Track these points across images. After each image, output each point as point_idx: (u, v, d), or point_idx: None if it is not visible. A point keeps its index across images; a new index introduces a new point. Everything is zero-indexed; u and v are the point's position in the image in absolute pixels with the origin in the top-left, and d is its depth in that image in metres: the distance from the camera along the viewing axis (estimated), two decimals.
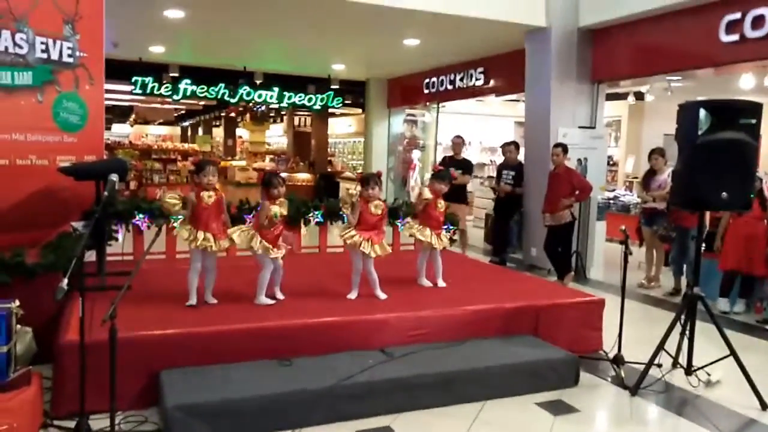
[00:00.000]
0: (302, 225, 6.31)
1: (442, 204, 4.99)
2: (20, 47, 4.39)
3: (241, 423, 3.17)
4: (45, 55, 4.55)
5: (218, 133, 27.43)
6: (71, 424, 3.05)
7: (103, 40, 5.04)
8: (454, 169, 8.08)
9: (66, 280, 2.63)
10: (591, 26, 7.70)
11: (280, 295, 4.35)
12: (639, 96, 11.91)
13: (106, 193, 3.17)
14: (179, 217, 4.25)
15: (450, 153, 9.29)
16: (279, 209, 4.22)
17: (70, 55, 4.71)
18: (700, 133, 3.88)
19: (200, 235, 4.03)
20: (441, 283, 4.98)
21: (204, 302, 4.13)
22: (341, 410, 3.40)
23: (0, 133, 4.34)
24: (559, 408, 3.75)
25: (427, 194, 5.08)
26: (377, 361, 3.72)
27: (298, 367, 3.61)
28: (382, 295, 4.47)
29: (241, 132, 26.49)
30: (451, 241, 6.85)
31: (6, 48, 4.31)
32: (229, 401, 3.18)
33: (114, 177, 3.19)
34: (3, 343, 3.03)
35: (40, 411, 3.18)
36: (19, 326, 3.34)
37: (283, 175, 17.29)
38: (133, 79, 12.06)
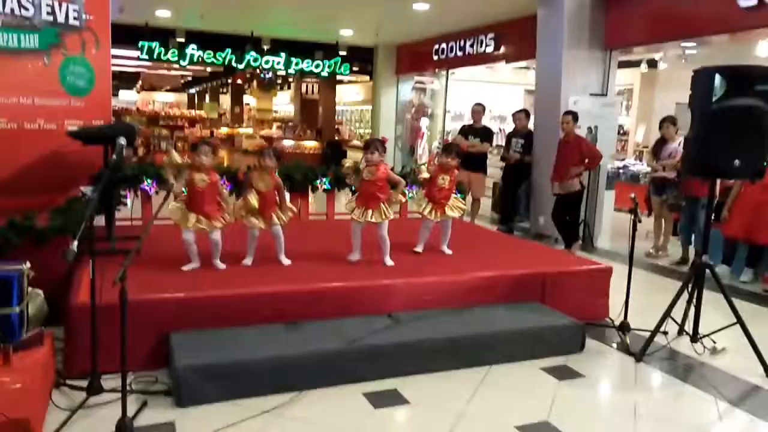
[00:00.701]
0: (310, 192, 6.34)
1: (444, 179, 4.78)
2: (26, 9, 4.35)
3: (250, 384, 3.22)
4: (51, 18, 4.51)
5: (225, 100, 27.27)
6: (83, 383, 3.11)
7: (109, 3, 4.98)
8: (472, 137, 8.04)
9: (76, 243, 2.64)
10: None
11: (285, 261, 4.36)
12: (652, 64, 11.71)
13: (114, 157, 3.17)
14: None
15: (463, 122, 9.22)
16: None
17: (76, 18, 4.66)
18: (714, 99, 3.82)
19: (192, 217, 3.97)
20: (446, 250, 4.95)
21: (209, 266, 4.14)
22: (348, 373, 3.44)
23: (8, 96, 4.33)
24: (564, 373, 3.79)
25: (425, 172, 4.96)
26: (384, 326, 3.75)
27: (305, 330, 3.65)
28: (390, 262, 4.48)
29: (249, 99, 26.33)
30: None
31: (12, 10, 4.27)
32: (238, 362, 3.22)
33: (122, 140, 3.18)
34: (15, 304, 3.06)
35: (52, 370, 3.24)
36: (30, 288, 3.39)
37: (290, 142, 17.17)
38: (140, 44, 11.96)
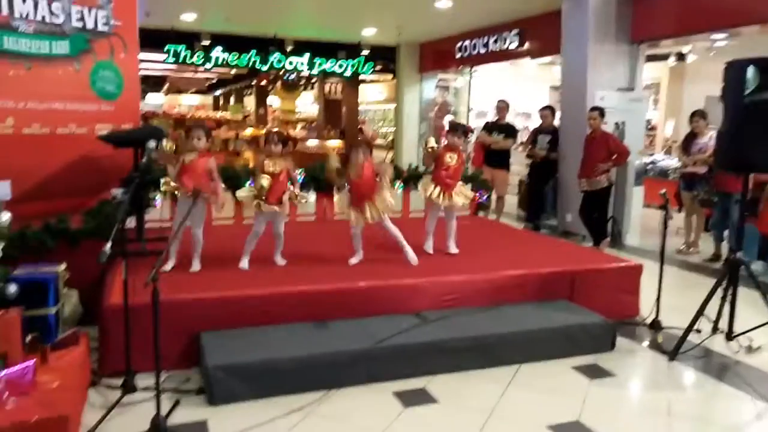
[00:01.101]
0: (335, 192, 6.35)
1: (452, 158, 4.63)
2: (56, 16, 4.44)
3: (279, 382, 3.25)
4: (81, 24, 4.60)
5: (249, 101, 27.52)
6: (118, 381, 3.17)
7: (137, 8, 5.06)
8: (496, 133, 7.99)
9: (109, 245, 2.69)
10: None
11: (281, 261, 4.33)
12: (680, 57, 11.49)
13: (144, 160, 3.22)
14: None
15: (486, 119, 9.16)
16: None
17: (105, 24, 4.75)
18: (747, 92, 3.73)
19: (183, 189, 3.94)
20: (453, 249, 4.78)
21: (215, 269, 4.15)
22: (377, 372, 3.45)
23: (40, 102, 4.42)
24: (595, 372, 3.74)
25: (432, 142, 4.79)
26: (412, 325, 3.75)
27: (334, 330, 3.67)
28: (413, 257, 4.43)
29: (272, 100, 26.53)
30: (483, 206, 6.81)
31: (43, 17, 4.37)
32: (268, 361, 3.25)
33: (152, 143, 3.24)
34: (52, 305, 3.15)
35: (88, 369, 3.30)
36: (65, 289, 3.47)
37: (314, 142, 17.23)
38: (166, 48, 12.12)
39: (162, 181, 4.08)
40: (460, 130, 4.71)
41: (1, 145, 4.08)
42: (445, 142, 4.87)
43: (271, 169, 4.15)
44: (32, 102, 4.37)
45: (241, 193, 4.42)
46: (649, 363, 4.00)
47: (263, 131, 20.77)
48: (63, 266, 3.36)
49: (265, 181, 4.12)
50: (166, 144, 4.16)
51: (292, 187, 4.30)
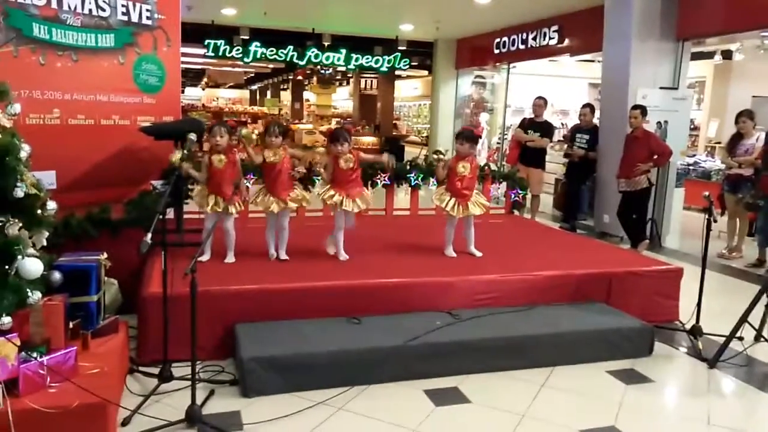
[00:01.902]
0: (369, 188, 6.36)
1: (465, 167, 4.52)
2: (103, 10, 4.53)
3: (311, 376, 3.27)
4: (126, 18, 4.68)
5: (286, 96, 27.79)
6: (155, 370, 3.23)
7: (180, 2, 5.13)
8: (532, 131, 7.89)
9: (150, 235, 2.74)
10: None
11: (283, 255, 4.33)
12: (726, 55, 11.14)
13: (185, 151, 3.27)
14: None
15: (524, 115, 9.04)
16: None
17: (149, 17, 4.82)
18: None
19: (211, 199, 4.03)
20: (475, 252, 4.67)
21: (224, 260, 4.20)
22: (409, 369, 3.44)
23: (86, 93, 4.52)
24: (631, 377, 3.66)
25: (441, 154, 4.70)
26: (445, 323, 3.73)
27: (366, 325, 3.67)
28: (478, 253, 4.54)
29: (308, 95, 26.72)
30: (518, 205, 6.73)
31: (90, 11, 4.46)
32: (301, 355, 3.28)
33: (193, 136, 3.28)
34: (93, 293, 3.22)
35: (126, 357, 3.38)
36: (106, 278, 3.55)
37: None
38: (206, 42, 12.31)
39: (194, 190, 4.12)
40: (463, 136, 4.58)
41: (48, 135, 4.18)
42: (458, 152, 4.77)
43: (271, 159, 4.16)
44: (78, 93, 4.47)
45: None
46: (689, 370, 3.89)
47: (295, 125, 20.93)
48: (105, 255, 3.44)
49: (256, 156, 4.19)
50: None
51: (295, 175, 4.31)
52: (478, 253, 4.67)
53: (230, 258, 4.21)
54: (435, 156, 4.75)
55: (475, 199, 4.60)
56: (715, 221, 4.19)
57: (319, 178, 5.10)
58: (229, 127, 4.19)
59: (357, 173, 4.38)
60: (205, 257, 4.14)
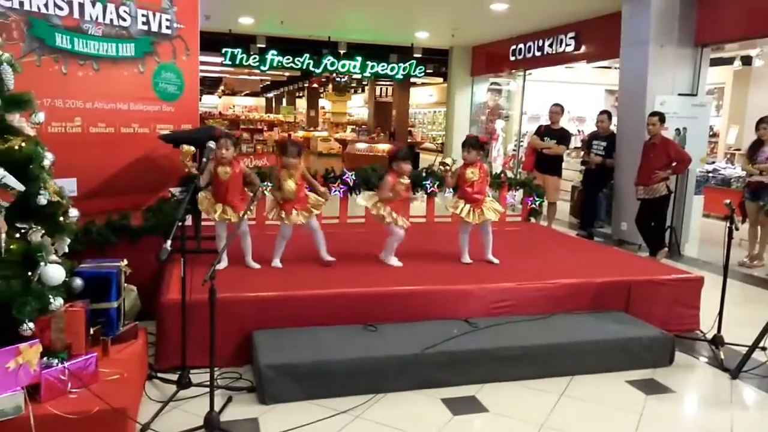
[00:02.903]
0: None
1: (474, 172, 4.52)
2: (123, 20, 4.61)
3: (329, 384, 3.26)
4: (146, 27, 4.75)
5: (301, 104, 27.98)
6: (173, 376, 3.25)
7: (198, 12, 5.20)
8: (548, 138, 7.85)
9: (169, 242, 2.76)
10: None
11: (327, 257, 4.35)
12: (746, 61, 11.03)
13: (204, 160, 3.30)
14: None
15: (540, 122, 9.01)
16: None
17: (168, 27, 4.89)
18: None
19: (218, 207, 4.03)
20: (492, 259, 4.65)
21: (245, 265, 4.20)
22: (426, 378, 3.42)
23: (106, 102, 4.59)
24: (651, 387, 3.61)
25: (449, 161, 4.63)
26: (462, 331, 3.71)
27: (383, 333, 3.66)
28: (495, 260, 4.57)
29: (324, 103, 26.86)
30: (535, 212, 6.69)
31: (111, 21, 4.53)
32: (319, 362, 3.27)
33: (212, 144, 3.31)
34: (114, 299, 3.25)
35: (145, 363, 3.40)
36: (125, 284, 3.59)
37: (363, 145, 17.39)
38: (223, 51, 12.44)
39: (201, 204, 4.08)
40: (468, 144, 4.58)
41: (69, 143, 4.25)
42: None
43: (289, 182, 4.14)
44: (99, 102, 4.54)
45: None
46: (710, 380, 3.83)
47: (310, 133, 21.04)
48: (125, 262, 3.48)
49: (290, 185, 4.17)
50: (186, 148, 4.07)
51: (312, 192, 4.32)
52: (496, 261, 4.65)
53: (251, 263, 4.21)
54: (441, 167, 4.77)
55: (489, 205, 4.60)
56: (737, 229, 4.13)
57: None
58: (234, 138, 4.17)
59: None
60: (222, 265, 4.15)
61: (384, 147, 16.30)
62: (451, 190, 5.00)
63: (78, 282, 2.94)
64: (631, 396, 3.50)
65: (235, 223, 3.94)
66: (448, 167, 4.60)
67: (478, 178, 4.54)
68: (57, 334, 2.82)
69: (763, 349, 3.98)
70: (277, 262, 4.28)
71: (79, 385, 2.67)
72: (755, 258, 6.93)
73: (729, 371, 3.82)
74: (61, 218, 2.87)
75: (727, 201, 4.20)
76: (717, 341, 4.11)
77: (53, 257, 2.77)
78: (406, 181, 4.47)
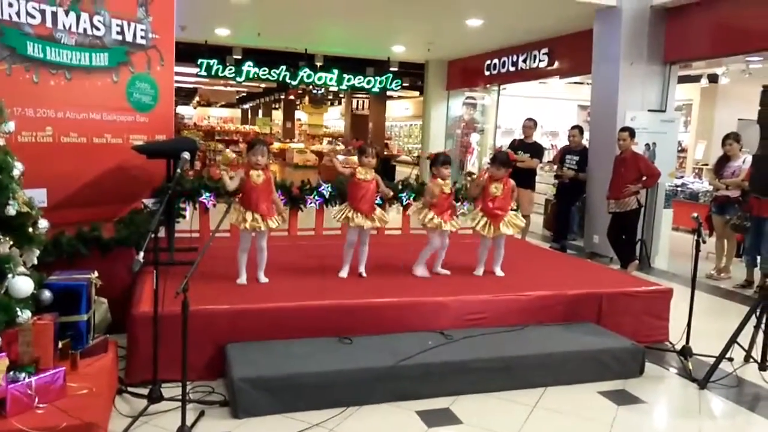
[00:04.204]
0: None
1: (497, 188, 4.64)
2: (97, 29, 4.55)
3: (303, 397, 3.24)
4: (120, 37, 4.70)
5: (277, 115, 27.89)
6: (144, 390, 3.19)
7: (174, 22, 5.16)
8: (522, 152, 7.96)
9: (141, 254, 2.73)
10: (665, 4, 7.34)
11: (263, 279, 4.24)
12: (713, 78, 11.35)
13: (178, 170, 3.27)
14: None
15: (513, 137, 9.13)
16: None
17: (143, 37, 4.85)
18: None
19: (249, 216, 4.01)
20: (498, 272, 4.78)
21: (255, 280, 4.18)
22: (400, 390, 3.42)
23: (79, 112, 4.51)
24: (622, 397, 3.66)
25: (473, 175, 4.85)
26: (437, 343, 3.72)
27: (358, 345, 3.66)
28: (500, 273, 4.71)
29: (300, 115, 26.83)
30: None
31: (84, 30, 4.47)
32: (293, 375, 3.25)
33: (186, 155, 3.28)
34: (84, 312, 3.20)
35: (115, 377, 3.34)
36: (96, 297, 3.53)
37: (341, 157, 17.40)
38: (199, 62, 12.37)
39: (236, 212, 4.03)
40: (498, 161, 4.72)
41: (40, 153, 4.17)
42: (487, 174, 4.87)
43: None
44: (71, 111, 4.46)
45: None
46: (679, 390, 3.90)
47: (286, 144, 20.97)
48: (95, 274, 3.42)
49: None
50: (228, 153, 4.07)
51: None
52: (501, 273, 4.77)
53: (262, 277, 4.20)
54: (469, 178, 4.88)
55: (508, 220, 4.67)
56: (704, 242, 4.23)
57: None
58: (267, 144, 4.24)
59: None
60: (241, 279, 4.13)
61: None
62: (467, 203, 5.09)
63: (47, 294, 2.89)
64: (603, 406, 3.54)
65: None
66: (473, 176, 4.69)
67: (501, 194, 4.64)
68: (24, 348, 2.76)
69: (730, 359, 4.07)
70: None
71: (46, 399, 2.62)
72: (722, 270, 7.09)
73: (697, 381, 3.90)
74: (30, 229, 2.82)
75: (695, 215, 4.30)
76: (685, 352, 4.20)
77: (21, 269, 2.72)
78: (449, 185, 4.59)
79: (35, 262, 2.89)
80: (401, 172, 15.12)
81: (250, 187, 4.05)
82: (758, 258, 6.55)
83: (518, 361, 3.70)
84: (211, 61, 12.45)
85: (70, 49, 4.40)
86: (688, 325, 4.22)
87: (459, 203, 5.99)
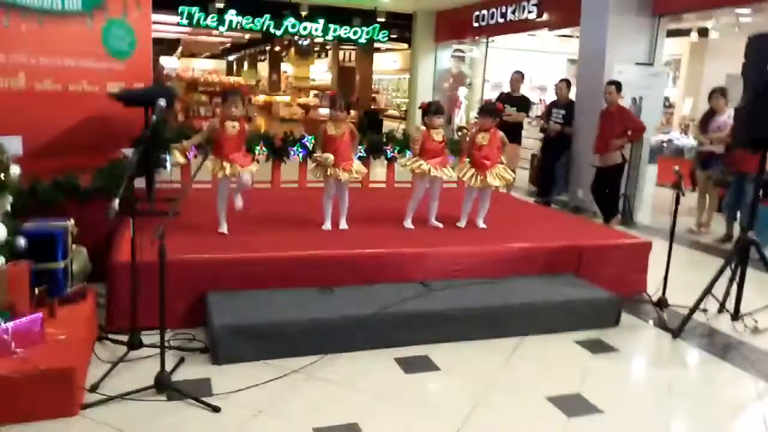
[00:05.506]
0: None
1: (484, 137, 4.62)
2: None
3: (283, 345, 3.28)
4: None
5: (263, 67, 27.32)
6: (124, 338, 3.21)
7: None
8: (509, 105, 7.88)
9: (117, 201, 2.69)
10: None
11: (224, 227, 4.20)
12: (703, 33, 11.21)
13: (154, 117, 3.20)
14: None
15: (503, 90, 9.03)
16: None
17: None
18: None
19: (226, 165, 3.97)
20: (481, 225, 4.78)
21: (241, 230, 4.17)
22: (381, 338, 3.47)
23: (53, 58, 4.40)
24: (598, 346, 3.74)
25: (465, 130, 4.83)
26: (417, 293, 3.76)
27: (339, 295, 3.68)
28: (483, 225, 4.74)
29: (286, 67, 26.29)
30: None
31: None
32: (273, 323, 3.28)
33: (162, 102, 3.20)
34: (60, 259, 3.17)
35: (95, 324, 3.35)
36: (74, 245, 3.50)
37: (326, 110, 17.22)
38: (180, 9, 12.02)
39: (212, 163, 3.99)
40: (487, 111, 4.71)
41: (13, 100, 4.07)
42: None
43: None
44: (44, 58, 4.34)
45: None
46: (653, 340, 3.99)
47: (272, 97, 20.63)
48: (71, 221, 3.38)
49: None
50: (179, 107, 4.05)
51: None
52: (484, 226, 4.79)
53: (239, 203, 4.20)
54: (460, 132, 4.86)
55: (496, 172, 4.63)
56: (683, 195, 4.25)
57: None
58: (242, 94, 4.21)
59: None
60: (222, 228, 4.12)
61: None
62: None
63: (21, 241, 2.86)
64: (578, 355, 3.62)
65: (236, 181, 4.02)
66: (466, 131, 4.68)
67: (488, 144, 4.62)
68: None
69: (704, 311, 4.15)
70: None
71: (24, 344, 2.62)
72: (703, 225, 7.18)
73: (671, 331, 3.98)
74: (2, 175, 2.76)
75: (676, 168, 4.31)
76: (661, 303, 4.28)
77: None
78: (441, 134, 4.60)
79: (8, 209, 2.85)
80: (389, 126, 14.97)
81: (224, 138, 3.98)
82: (738, 213, 6.63)
83: (496, 310, 3.76)
84: (193, 9, 12.11)
85: None
86: (665, 277, 4.29)
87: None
